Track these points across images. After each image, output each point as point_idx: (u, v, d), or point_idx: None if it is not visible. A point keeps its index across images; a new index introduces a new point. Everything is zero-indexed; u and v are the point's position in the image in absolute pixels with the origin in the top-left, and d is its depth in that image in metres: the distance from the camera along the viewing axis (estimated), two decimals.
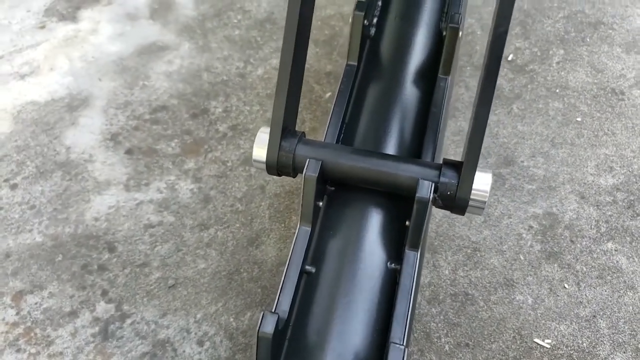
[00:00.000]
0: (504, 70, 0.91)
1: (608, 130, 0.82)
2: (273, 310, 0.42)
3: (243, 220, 0.74)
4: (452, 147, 0.81)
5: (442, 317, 0.63)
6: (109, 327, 0.65)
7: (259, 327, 0.39)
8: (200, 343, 0.63)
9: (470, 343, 0.61)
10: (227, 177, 0.79)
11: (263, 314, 0.39)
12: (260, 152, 0.45)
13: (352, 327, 0.42)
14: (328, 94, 0.91)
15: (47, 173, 0.82)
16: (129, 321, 0.65)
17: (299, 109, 0.89)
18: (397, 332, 0.40)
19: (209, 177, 0.79)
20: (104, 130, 0.87)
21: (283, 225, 0.74)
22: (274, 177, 0.79)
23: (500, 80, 0.89)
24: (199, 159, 0.82)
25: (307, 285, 0.44)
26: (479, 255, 0.69)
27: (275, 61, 0.97)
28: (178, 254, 0.71)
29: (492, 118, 0.84)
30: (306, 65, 0.97)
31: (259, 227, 0.73)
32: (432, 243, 0.70)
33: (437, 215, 0.73)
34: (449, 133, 0.83)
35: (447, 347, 0.61)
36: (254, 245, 0.71)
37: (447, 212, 0.73)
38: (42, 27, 1.04)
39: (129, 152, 0.84)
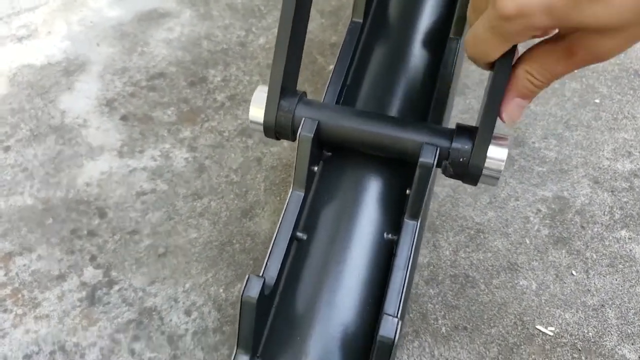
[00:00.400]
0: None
1: (628, 113, 0.78)
2: (262, 271, 0.39)
3: (237, 191, 0.71)
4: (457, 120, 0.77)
5: (440, 298, 0.60)
6: (96, 293, 0.62)
7: (243, 291, 0.36)
8: (187, 313, 0.60)
9: (469, 326, 0.58)
10: (223, 148, 0.76)
11: (248, 277, 0.36)
12: (257, 111, 0.41)
13: (343, 297, 0.39)
14: (331, 66, 0.87)
15: (40, 136, 0.79)
16: (116, 287, 0.63)
17: (300, 82, 0.86)
18: (391, 304, 0.37)
19: (205, 146, 0.76)
20: (100, 96, 0.84)
21: (278, 198, 0.71)
22: (271, 149, 0.76)
23: None
24: (195, 128, 0.79)
25: (297, 252, 0.41)
26: (482, 237, 0.66)
27: None
28: (169, 223, 0.68)
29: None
30: (310, 36, 0.94)
31: (253, 199, 0.70)
32: (433, 222, 0.67)
33: (440, 195, 0.69)
34: (456, 111, 0.79)
35: (443, 330, 0.58)
36: (248, 217, 0.68)
37: (451, 192, 0.69)
38: None
39: (124, 118, 0.81)
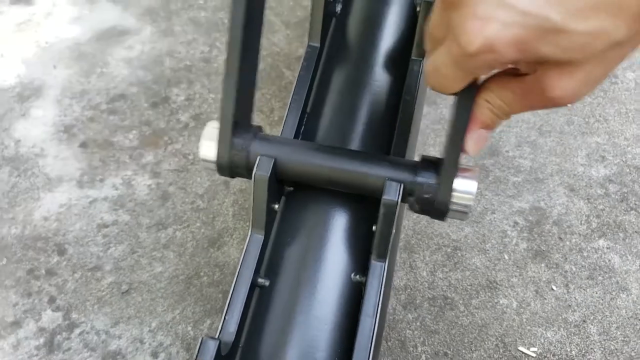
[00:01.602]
0: None
1: (600, 116, 0.77)
2: (219, 330, 0.36)
3: (204, 218, 0.68)
4: (431, 136, 0.75)
5: (418, 323, 0.58)
6: (55, 338, 0.59)
7: (196, 357, 0.33)
8: (154, 354, 0.57)
9: (449, 352, 0.56)
10: (188, 172, 0.73)
11: (202, 340, 0.33)
12: (208, 150, 0.38)
13: (310, 349, 0.36)
14: None
15: None
16: (77, 331, 0.59)
17: (268, 97, 0.83)
18: (360, 355, 0.34)
19: (169, 171, 0.73)
20: (57, 122, 0.80)
21: (248, 223, 0.68)
22: None
23: None
24: (158, 151, 0.75)
25: (259, 301, 0.38)
26: (459, 254, 0.64)
27: None
28: (133, 257, 0.65)
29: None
30: (276, 49, 0.91)
31: (221, 226, 0.67)
32: (408, 242, 0.65)
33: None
34: (428, 121, 0.77)
35: (423, 357, 0.56)
36: (216, 246, 0.65)
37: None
38: None
39: (83, 145, 0.77)
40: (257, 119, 0.79)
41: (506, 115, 0.31)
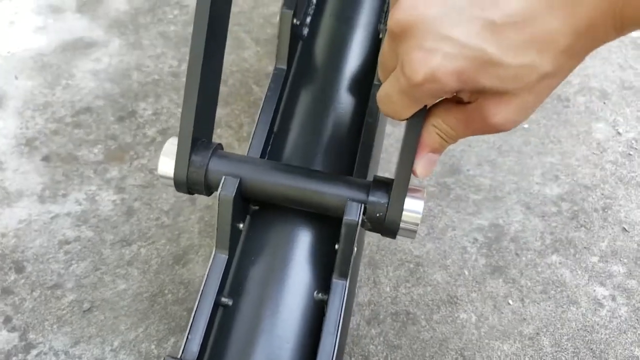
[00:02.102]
0: None
1: (554, 137, 0.81)
2: (181, 350, 0.36)
3: (169, 235, 0.67)
4: (395, 154, 0.77)
5: (381, 338, 0.59)
6: None
7: None
8: None
9: None
10: (154, 187, 0.72)
11: None
12: (167, 166, 0.38)
13: None
14: None
15: None
16: (34, 352, 0.58)
17: (237, 113, 0.84)
18: None
19: (134, 186, 0.72)
20: (18, 135, 0.79)
21: (214, 240, 0.68)
22: None
23: None
24: (124, 166, 0.75)
25: (223, 320, 0.39)
26: (421, 270, 0.66)
27: None
28: (95, 274, 0.64)
29: None
30: (245, 65, 0.92)
31: (186, 243, 0.67)
32: (373, 257, 0.66)
33: None
34: (392, 140, 0.79)
35: None
36: (181, 263, 0.65)
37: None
38: None
39: (45, 159, 0.76)
40: (225, 135, 0.79)
41: (452, 139, 0.33)
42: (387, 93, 0.31)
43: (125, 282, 0.63)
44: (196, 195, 0.73)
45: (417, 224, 0.36)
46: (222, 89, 0.85)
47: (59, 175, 0.74)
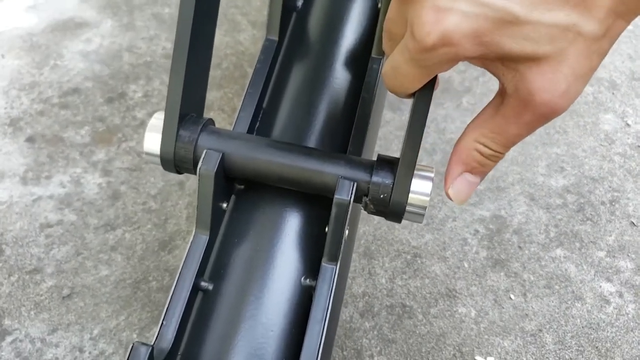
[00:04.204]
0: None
1: (560, 128, 0.78)
2: (155, 336, 0.33)
3: (156, 220, 0.64)
4: (395, 142, 0.74)
5: (376, 332, 0.56)
6: None
7: None
8: None
9: None
10: (142, 171, 0.69)
11: (132, 346, 0.31)
12: (153, 142, 0.35)
13: (256, 357, 0.34)
14: None
15: None
16: (9, 339, 0.55)
17: (230, 96, 0.80)
18: None
19: (121, 170, 0.69)
20: (3, 115, 0.76)
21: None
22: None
23: (450, 72, 0.83)
24: (111, 149, 0.72)
25: (202, 306, 0.36)
26: (419, 262, 0.63)
27: None
28: (77, 259, 0.61)
29: (439, 112, 0.78)
30: (241, 48, 0.88)
31: (173, 229, 0.64)
32: (368, 248, 0.63)
33: (376, 217, 0.66)
34: (392, 127, 0.76)
35: None
36: (167, 249, 0.62)
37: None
38: None
39: (30, 139, 0.73)
40: (217, 118, 0.76)
41: (502, 148, 0.28)
42: (393, 64, 0.28)
43: (108, 268, 0.60)
44: (185, 179, 0.70)
45: (424, 207, 0.33)
46: (216, 72, 0.82)
47: (43, 156, 0.71)
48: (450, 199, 0.30)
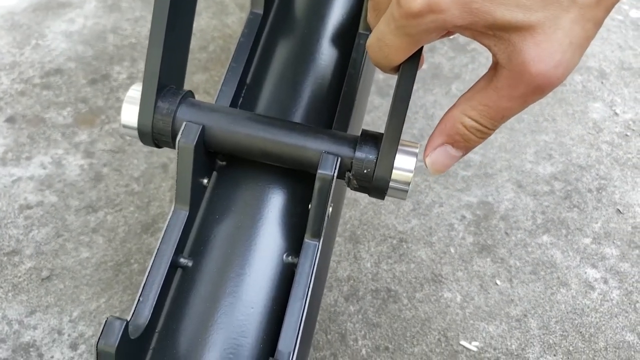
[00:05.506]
0: (444, 49, 0.84)
1: (548, 115, 0.78)
2: (131, 313, 0.32)
3: (139, 202, 0.63)
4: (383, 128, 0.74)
5: (360, 316, 0.56)
6: None
7: (99, 339, 0.29)
8: (73, 346, 0.52)
9: (390, 346, 0.54)
10: (125, 153, 0.68)
11: (107, 321, 0.30)
12: (130, 114, 0.34)
13: (236, 334, 0.33)
14: None
15: None
16: None
17: (216, 80, 0.79)
18: (286, 341, 0.32)
19: (103, 151, 0.68)
20: None
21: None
22: None
23: (439, 59, 0.83)
24: (94, 130, 0.70)
25: (181, 283, 0.35)
26: (405, 246, 0.62)
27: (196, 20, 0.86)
28: (57, 241, 0.60)
29: (428, 98, 0.77)
30: (228, 32, 0.87)
31: (156, 212, 0.63)
32: (354, 232, 0.63)
33: (362, 202, 0.65)
34: (380, 113, 0.75)
35: (363, 351, 0.53)
36: (149, 232, 0.61)
37: (373, 198, 0.65)
38: None
39: (10, 120, 0.71)
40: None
41: (491, 123, 0.27)
42: (378, 36, 0.27)
43: (89, 250, 0.59)
44: (168, 162, 0.68)
45: (408, 183, 0.32)
46: (202, 54, 0.80)
47: (24, 137, 0.69)
48: (427, 166, 0.30)
